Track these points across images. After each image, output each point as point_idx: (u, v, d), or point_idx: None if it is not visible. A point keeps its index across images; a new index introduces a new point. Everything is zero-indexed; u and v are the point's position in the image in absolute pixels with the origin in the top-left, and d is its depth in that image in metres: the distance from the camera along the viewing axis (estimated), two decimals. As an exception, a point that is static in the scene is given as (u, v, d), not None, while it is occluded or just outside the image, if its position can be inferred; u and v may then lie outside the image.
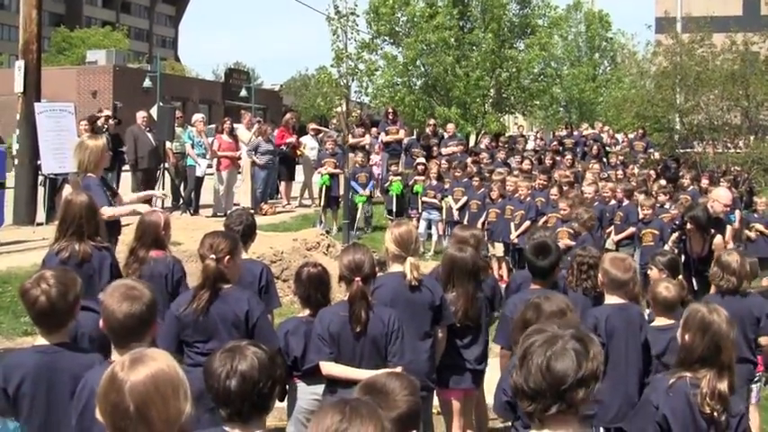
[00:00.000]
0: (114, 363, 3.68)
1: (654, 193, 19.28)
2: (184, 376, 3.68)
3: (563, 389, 3.65)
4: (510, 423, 6.41)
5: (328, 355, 6.89)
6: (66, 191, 15.18)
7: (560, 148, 28.13)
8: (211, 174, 23.18)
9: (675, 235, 12.28)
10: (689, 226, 11.47)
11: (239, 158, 22.97)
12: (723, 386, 5.39)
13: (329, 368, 6.91)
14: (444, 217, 20.75)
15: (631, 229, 18.15)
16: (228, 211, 15.18)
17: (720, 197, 12.48)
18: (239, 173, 23.71)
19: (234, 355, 4.33)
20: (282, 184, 25.31)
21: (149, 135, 22.22)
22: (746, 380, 8.67)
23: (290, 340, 7.60)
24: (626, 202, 18.65)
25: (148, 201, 12.44)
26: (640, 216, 17.21)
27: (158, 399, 3.55)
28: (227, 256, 7.24)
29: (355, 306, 6.82)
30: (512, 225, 18.35)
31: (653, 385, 5.89)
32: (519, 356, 3.79)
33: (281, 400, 7.65)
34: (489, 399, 8.88)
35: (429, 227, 21.07)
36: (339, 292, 7.94)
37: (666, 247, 13.47)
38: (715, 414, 5.37)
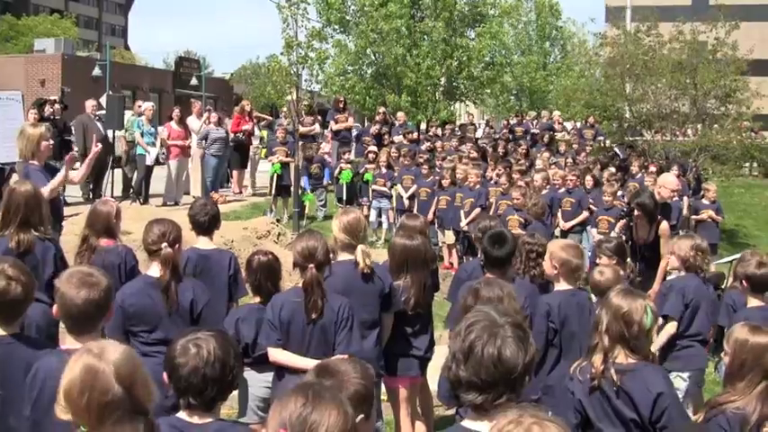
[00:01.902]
0: (78, 357, 3.64)
1: (606, 180, 19.44)
2: None
3: (513, 377, 3.73)
4: (454, 410, 6.44)
5: (276, 341, 6.91)
6: (14, 180, 15.04)
7: (510, 137, 28.28)
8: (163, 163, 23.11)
9: (623, 221, 12.39)
10: (636, 212, 11.56)
11: (189, 147, 22.81)
12: (600, 360, 5.51)
13: (276, 355, 6.94)
14: (394, 205, 20.76)
15: (583, 215, 18.30)
16: (191, 201, 15.09)
17: (667, 183, 12.60)
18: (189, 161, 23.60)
19: (195, 343, 4.38)
20: (234, 172, 25.19)
21: (98, 124, 22.03)
22: (704, 362, 8.78)
23: (241, 327, 7.62)
24: (577, 188, 18.79)
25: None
26: (605, 202, 17.37)
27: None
28: (177, 244, 7.28)
29: (310, 293, 6.83)
30: (461, 213, 18.41)
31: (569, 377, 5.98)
32: (462, 350, 3.79)
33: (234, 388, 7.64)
34: (433, 386, 8.96)
35: (379, 215, 21.08)
36: (290, 281, 7.96)
37: (614, 234, 13.62)
38: (607, 381, 5.48)
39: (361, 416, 3.89)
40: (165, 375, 4.36)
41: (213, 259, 8.51)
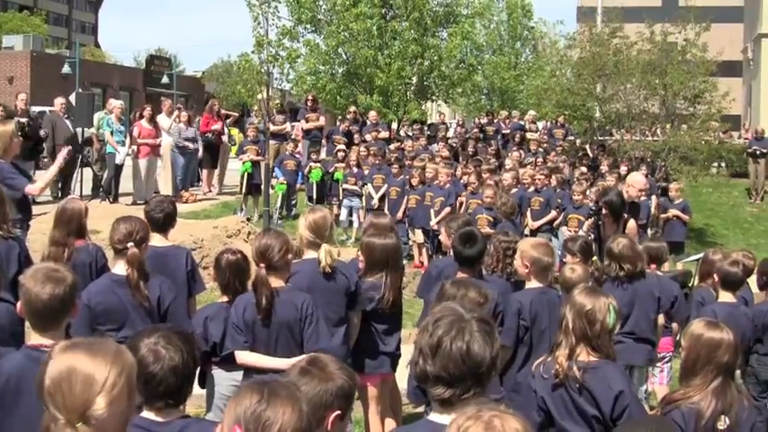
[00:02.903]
0: (56, 357, 3.60)
1: (576, 179, 19.57)
2: None
3: (480, 371, 3.77)
4: (423, 408, 6.47)
5: (243, 344, 6.92)
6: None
7: (481, 136, 28.34)
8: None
9: (591, 220, 12.45)
10: (603, 211, 11.62)
11: (159, 145, 22.71)
12: (564, 358, 5.55)
13: (244, 357, 6.95)
14: (364, 204, 20.77)
15: (551, 215, 18.41)
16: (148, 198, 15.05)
17: (635, 182, 12.68)
18: (159, 160, 23.51)
19: (164, 346, 4.37)
20: (204, 171, 25.11)
21: (67, 122, 21.93)
22: (647, 360, 8.83)
23: (209, 326, 7.59)
24: (546, 188, 18.90)
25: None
26: (575, 201, 17.49)
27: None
28: (144, 243, 7.28)
29: (257, 292, 6.85)
30: (432, 212, 18.45)
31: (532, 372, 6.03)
32: (430, 345, 3.81)
33: (202, 386, 7.64)
34: (402, 384, 8.99)
35: (350, 214, 21.10)
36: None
37: (582, 232, 13.70)
38: (571, 378, 5.53)
39: (337, 412, 3.94)
40: None
41: (170, 256, 8.48)
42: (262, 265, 6.87)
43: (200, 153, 23.96)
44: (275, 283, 6.91)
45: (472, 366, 3.74)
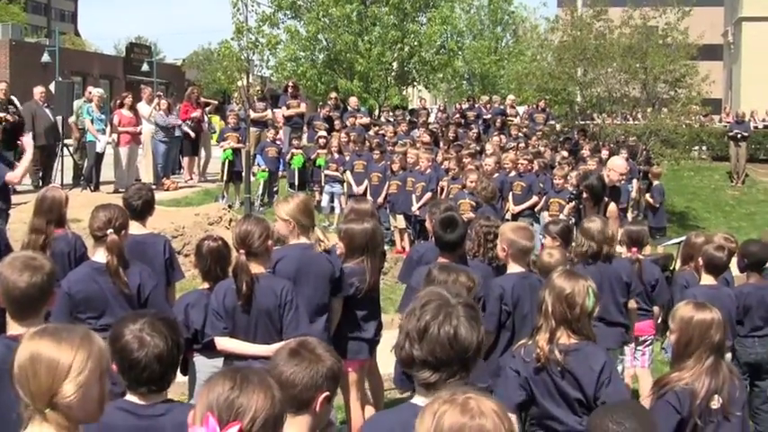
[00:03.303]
0: (24, 345, 3.57)
1: (557, 164, 19.61)
2: None
3: (467, 356, 3.79)
4: (409, 393, 6.46)
5: (222, 330, 6.90)
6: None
7: (462, 121, 28.33)
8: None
9: (572, 204, 12.46)
10: (584, 195, 11.62)
11: (140, 133, 22.61)
12: (545, 341, 5.59)
13: (224, 344, 6.94)
14: (346, 190, 20.75)
15: (533, 200, 18.44)
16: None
17: (616, 167, 12.66)
18: (140, 148, 23.42)
19: (148, 333, 4.36)
20: (185, 159, 25.02)
21: (47, 111, 21.81)
22: (619, 343, 8.84)
23: (190, 313, 7.56)
24: (528, 173, 18.93)
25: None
26: (555, 185, 17.53)
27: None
28: (124, 230, 7.25)
29: (237, 278, 6.83)
30: (413, 197, 18.46)
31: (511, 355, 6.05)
32: (417, 329, 3.82)
33: (184, 373, 7.63)
34: (384, 369, 8.99)
35: (332, 200, 21.08)
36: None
37: (562, 216, 13.70)
38: (553, 362, 5.56)
39: (326, 393, 3.98)
40: (114, 366, 4.30)
41: (148, 244, 8.43)
42: (242, 251, 6.85)
43: (191, 134, 23.84)
44: (255, 269, 6.89)
45: (459, 351, 3.76)
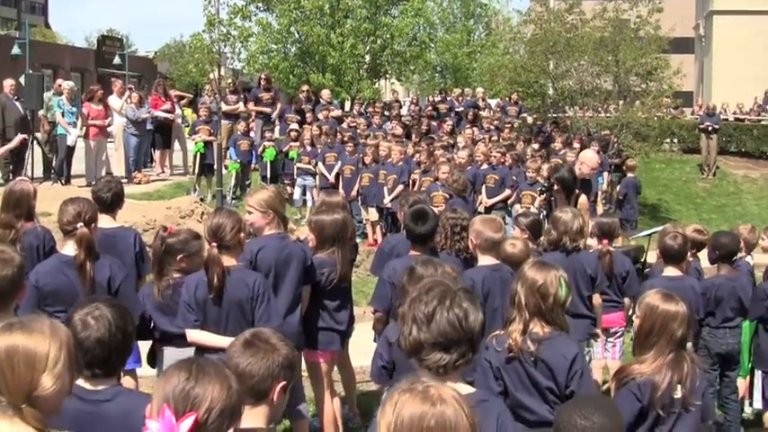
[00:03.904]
0: (5, 340, 3.52)
1: (530, 156, 19.64)
2: None
3: (474, 336, 3.98)
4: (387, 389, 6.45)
5: (193, 322, 6.88)
6: None
7: (435, 114, 28.33)
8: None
9: (543, 196, 12.48)
10: (556, 187, 11.63)
11: (108, 126, 22.48)
12: (518, 333, 5.59)
13: (194, 336, 6.92)
14: (318, 183, 20.73)
15: (506, 193, 18.47)
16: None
17: (588, 160, 12.68)
18: (111, 141, 23.27)
19: (93, 316, 4.38)
20: (157, 152, 24.89)
21: (17, 104, 21.65)
22: (586, 334, 8.85)
23: (146, 303, 7.50)
24: (501, 165, 18.95)
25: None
26: (528, 178, 17.56)
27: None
28: (93, 223, 7.22)
29: (209, 271, 6.81)
30: (385, 190, 18.46)
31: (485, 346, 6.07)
32: (425, 313, 3.94)
33: (152, 365, 7.60)
34: (360, 362, 8.98)
35: (304, 193, 21.05)
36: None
37: (534, 209, 13.72)
38: (527, 353, 5.58)
39: (283, 383, 3.97)
40: None
41: (118, 237, 8.41)
42: (214, 244, 6.83)
43: (170, 117, 23.71)
44: (227, 262, 6.88)
45: (468, 331, 3.93)
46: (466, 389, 3.96)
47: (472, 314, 3.95)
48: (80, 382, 4.33)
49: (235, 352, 3.96)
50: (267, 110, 25.07)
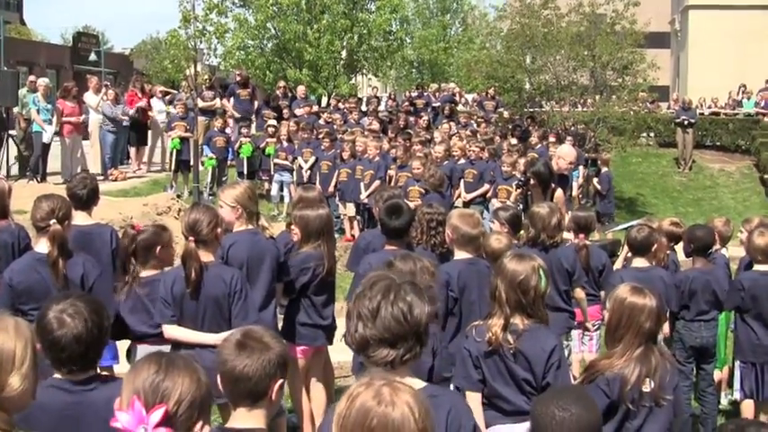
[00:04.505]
0: None
1: (504, 151, 19.66)
2: None
3: (420, 330, 3.87)
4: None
5: (170, 318, 6.90)
6: None
7: (412, 109, 28.33)
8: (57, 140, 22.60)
9: (519, 191, 12.50)
10: (532, 181, 11.65)
11: (83, 123, 22.37)
12: (499, 328, 5.62)
13: (171, 331, 6.94)
14: (295, 179, 20.70)
15: (485, 188, 18.48)
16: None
17: (565, 154, 12.71)
18: (86, 138, 23.18)
19: (69, 313, 4.34)
20: (132, 149, 24.79)
21: (-9, 101, 21.55)
22: (564, 328, 8.88)
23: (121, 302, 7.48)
24: (480, 160, 18.97)
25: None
26: (504, 172, 17.58)
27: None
28: (67, 220, 7.19)
29: (186, 266, 6.81)
30: (362, 185, 18.46)
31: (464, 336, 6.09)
32: (369, 309, 3.86)
33: (129, 362, 7.58)
34: (339, 357, 8.99)
35: (281, 189, 21.03)
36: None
37: (510, 203, 13.73)
38: (506, 347, 5.61)
39: (281, 380, 3.96)
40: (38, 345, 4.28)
41: (94, 234, 8.39)
42: (191, 239, 6.82)
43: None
44: (205, 257, 6.89)
45: (413, 325, 3.83)
46: (416, 383, 3.89)
47: (417, 307, 3.86)
48: (58, 376, 4.35)
49: (229, 355, 3.91)
50: (237, 115, 25.00)
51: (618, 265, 10.05)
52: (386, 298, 3.85)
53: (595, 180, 21.95)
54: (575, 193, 19.49)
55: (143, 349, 7.35)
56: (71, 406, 4.33)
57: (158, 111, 24.77)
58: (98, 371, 4.70)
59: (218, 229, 7.03)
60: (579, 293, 9.10)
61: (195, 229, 6.85)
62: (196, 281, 6.77)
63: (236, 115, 24.53)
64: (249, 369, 3.84)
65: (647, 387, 5.43)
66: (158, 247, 7.50)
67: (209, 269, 6.86)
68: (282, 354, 4.00)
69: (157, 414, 3.17)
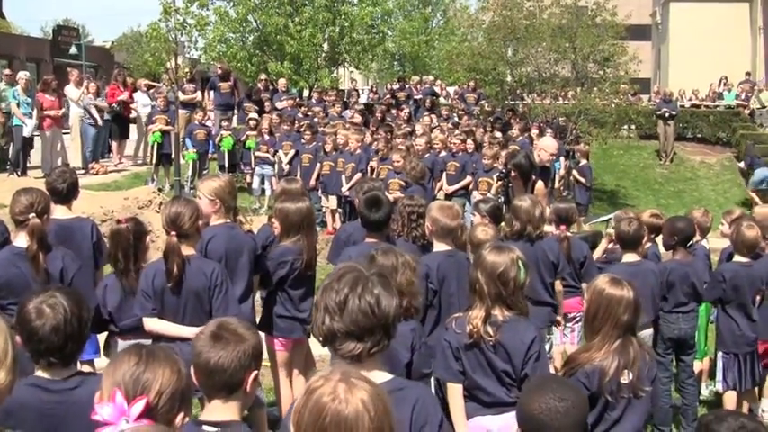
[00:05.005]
0: None
1: (486, 143, 19.67)
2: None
3: (388, 323, 3.83)
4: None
5: (151, 311, 6.87)
6: None
7: (393, 102, 28.33)
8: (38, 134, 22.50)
9: (500, 183, 12.50)
10: (513, 174, 11.66)
11: (62, 117, 22.27)
12: (480, 320, 5.64)
13: (151, 324, 6.91)
14: (277, 172, 20.68)
15: (467, 180, 18.50)
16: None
17: (547, 147, 12.73)
18: (67, 132, 23.09)
19: (48, 303, 4.34)
20: (114, 143, 24.70)
21: (-29, 95, 21.43)
22: (546, 322, 8.90)
23: (106, 295, 7.45)
24: (462, 152, 18.98)
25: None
26: (485, 165, 17.58)
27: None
28: (46, 214, 7.16)
29: (168, 260, 6.80)
30: (343, 178, 18.47)
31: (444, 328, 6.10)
32: (336, 302, 3.81)
33: (107, 355, 7.56)
34: (315, 350, 8.98)
35: (262, 182, 21.01)
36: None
37: (491, 195, 13.74)
38: (487, 339, 5.62)
39: (255, 372, 3.96)
40: (18, 338, 4.26)
41: (74, 228, 8.36)
42: (173, 233, 6.81)
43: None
44: (186, 250, 6.89)
45: (381, 318, 3.79)
46: (382, 376, 3.88)
47: (385, 300, 3.82)
48: (38, 372, 4.34)
49: (203, 347, 3.90)
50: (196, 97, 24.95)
51: (596, 255, 10.05)
52: (353, 291, 3.80)
53: (575, 172, 21.95)
54: (557, 185, 19.50)
55: (123, 344, 7.34)
56: (52, 405, 4.31)
57: (143, 104, 24.64)
58: (79, 365, 4.68)
59: (199, 223, 7.02)
60: (558, 286, 9.11)
61: (177, 222, 6.83)
62: (178, 275, 6.77)
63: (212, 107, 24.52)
64: (224, 361, 3.83)
65: (626, 379, 5.46)
66: (149, 235, 7.50)
67: (190, 263, 6.84)
68: (257, 345, 4.00)
69: (138, 406, 3.17)
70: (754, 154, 29.43)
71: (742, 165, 30.96)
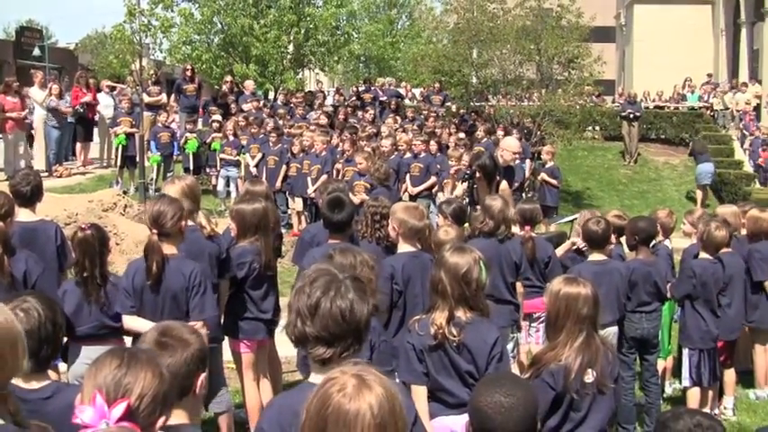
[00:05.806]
0: None
1: (453, 144, 19.75)
2: None
3: (359, 328, 3.82)
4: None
5: (129, 308, 6.93)
6: None
7: (359, 104, 28.35)
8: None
9: (465, 184, 12.53)
10: (477, 174, 11.71)
11: (25, 119, 22.09)
12: (444, 320, 5.65)
13: (130, 322, 6.97)
14: (242, 173, 20.65)
15: (431, 181, 18.56)
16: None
17: (509, 146, 12.79)
18: (31, 134, 22.93)
19: (21, 308, 4.36)
20: (78, 145, 24.57)
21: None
22: (509, 321, 8.94)
23: (65, 299, 7.40)
24: (424, 154, 19.04)
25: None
26: (453, 167, 17.63)
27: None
28: (9, 217, 7.14)
29: (148, 258, 6.84)
30: (308, 179, 18.47)
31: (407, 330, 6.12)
32: (308, 306, 3.79)
33: (65, 360, 7.50)
34: (282, 352, 8.99)
35: (227, 184, 20.98)
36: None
37: (456, 195, 13.77)
38: (451, 340, 5.65)
39: (203, 374, 3.98)
40: None
41: (39, 231, 8.33)
42: (154, 231, 6.85)
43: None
44: (167, 249, 6.94)
45: (352, 323, 3.77)
46: None
47: (357, 306, 3.79)
48: (19, 382, 4.27)
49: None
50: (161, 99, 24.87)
51: (559, 253, 10.12)
52: (326, 295, 3.78)
53: (545, 174, 22.00)
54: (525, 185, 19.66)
55: (89, 349, 7.29)
56: (27, 415, 4.27)
57: (105, 105, 24.52)
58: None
59: (183, 222, 7.04)
60: (519, 287, 9.17)
61: (159, 221, 6.87)
62: (157, 274, 6.81)
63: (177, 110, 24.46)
64: (172, 368, 3.80)
65: (590, 377, 5.52)
66: (109, 242, 7.47)
67: (170, 262, 6.89)
68: (202, 348, 4.02)
69: (119, 409, 3.16)
70: (699, 149, 29.52)
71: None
